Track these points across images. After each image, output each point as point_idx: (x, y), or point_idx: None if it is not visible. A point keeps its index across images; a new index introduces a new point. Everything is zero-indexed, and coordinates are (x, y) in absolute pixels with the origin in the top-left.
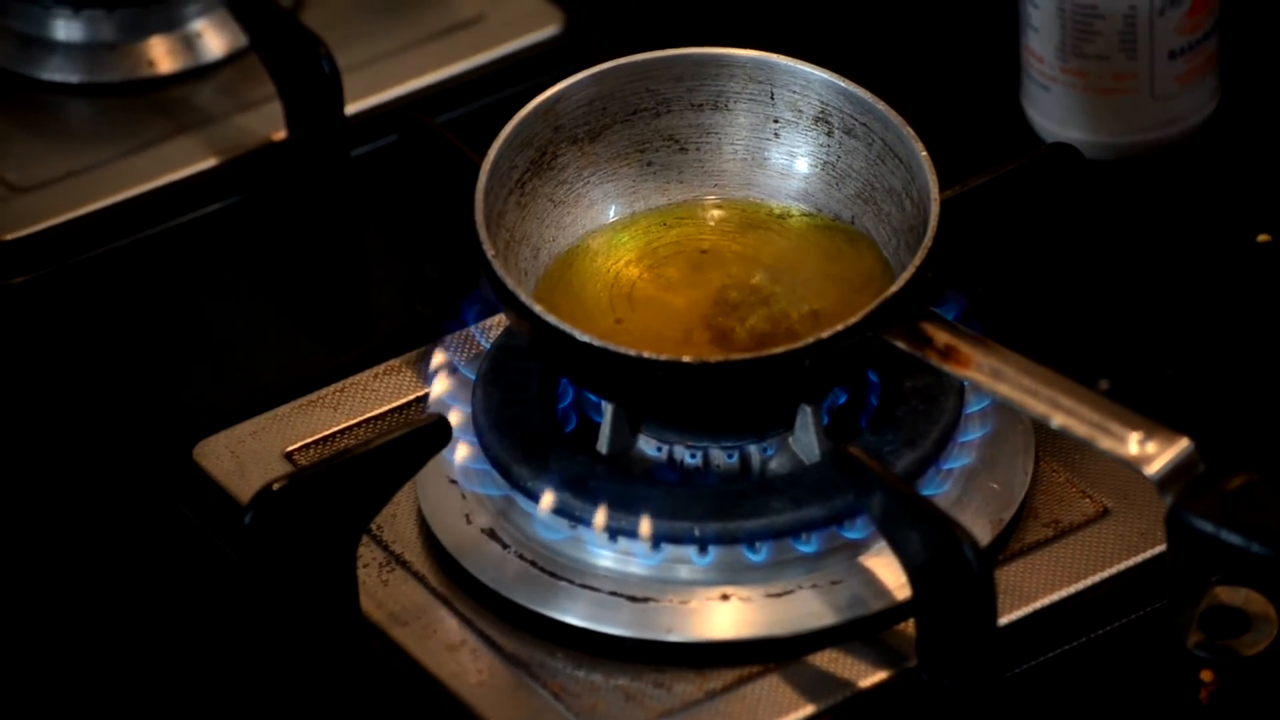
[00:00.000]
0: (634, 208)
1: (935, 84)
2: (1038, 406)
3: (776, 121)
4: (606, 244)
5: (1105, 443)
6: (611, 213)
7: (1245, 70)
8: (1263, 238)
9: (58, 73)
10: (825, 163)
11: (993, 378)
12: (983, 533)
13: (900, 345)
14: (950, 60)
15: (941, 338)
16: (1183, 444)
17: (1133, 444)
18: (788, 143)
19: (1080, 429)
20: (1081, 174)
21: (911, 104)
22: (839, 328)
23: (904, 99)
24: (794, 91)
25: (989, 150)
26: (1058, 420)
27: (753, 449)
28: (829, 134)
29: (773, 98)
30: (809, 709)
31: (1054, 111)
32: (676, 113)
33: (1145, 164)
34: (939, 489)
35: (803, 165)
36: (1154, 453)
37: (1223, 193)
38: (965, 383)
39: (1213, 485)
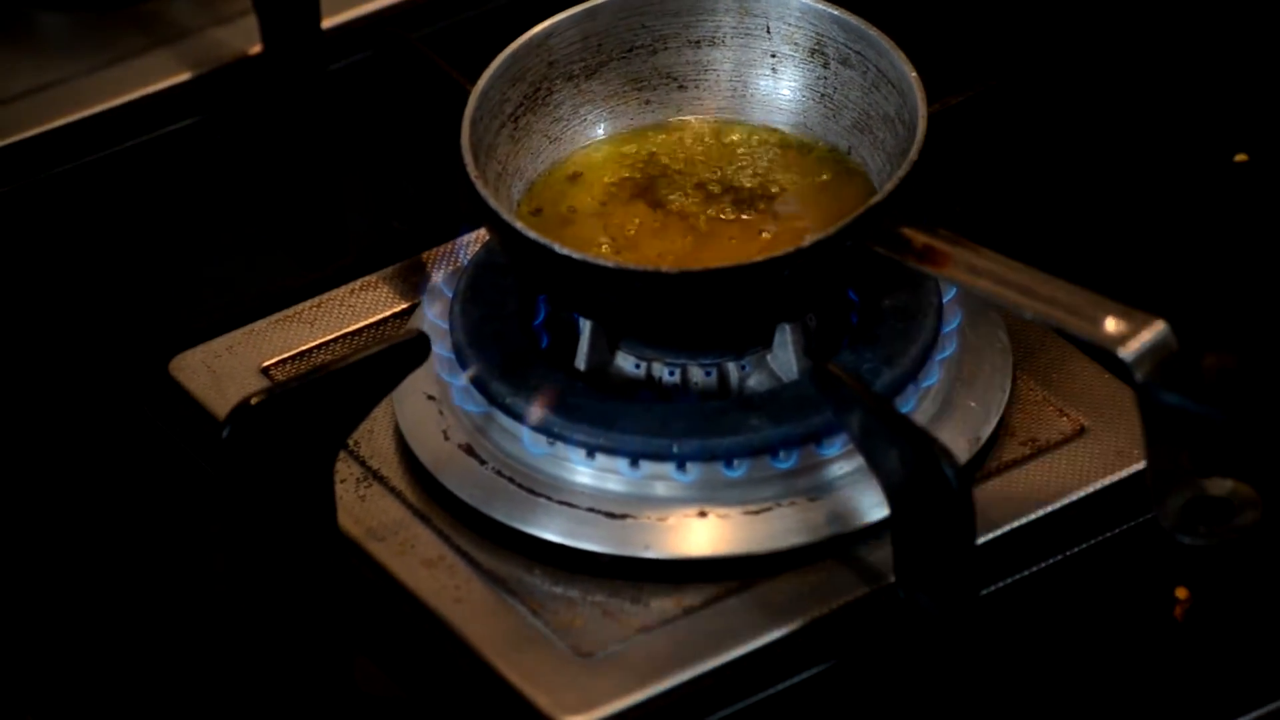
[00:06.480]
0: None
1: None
2: (1012, 297)
3: (774, 56)
4: (594, 164)
5: (1079, 326)
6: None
7: None
8: (1240, 157)
9: None
10: (823, 95)
11: (969, 274)
12: (960, 450)
13: (879, 250)
14: None
15: (919, 240)
16: (1157, 326)
17: (1107, 326)
18: (786, 77)
19: (1054, 315)
20: (1057, 95)
21: (897, 25)
22: (819, 236)
23: (890, 20)
24: (789, 24)
25: (971, 71)
26: (1031, 309)
27: (731, 366)
28: (825, 65)
29: (769, 31)
30: (786, 626)
31: None
32: (674, 49)
33: (1125, 83)
34: (917, 407)
35: (801, 98)
36: (1128, 333)
37: (1202, 112)
38: (942, 281)
39: (1185, 364)
